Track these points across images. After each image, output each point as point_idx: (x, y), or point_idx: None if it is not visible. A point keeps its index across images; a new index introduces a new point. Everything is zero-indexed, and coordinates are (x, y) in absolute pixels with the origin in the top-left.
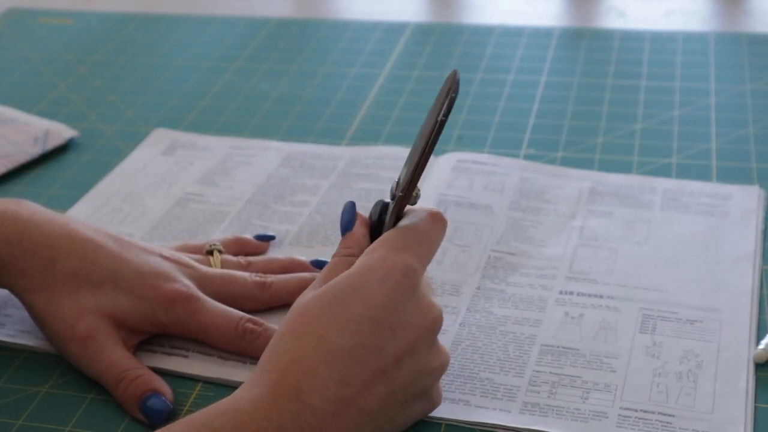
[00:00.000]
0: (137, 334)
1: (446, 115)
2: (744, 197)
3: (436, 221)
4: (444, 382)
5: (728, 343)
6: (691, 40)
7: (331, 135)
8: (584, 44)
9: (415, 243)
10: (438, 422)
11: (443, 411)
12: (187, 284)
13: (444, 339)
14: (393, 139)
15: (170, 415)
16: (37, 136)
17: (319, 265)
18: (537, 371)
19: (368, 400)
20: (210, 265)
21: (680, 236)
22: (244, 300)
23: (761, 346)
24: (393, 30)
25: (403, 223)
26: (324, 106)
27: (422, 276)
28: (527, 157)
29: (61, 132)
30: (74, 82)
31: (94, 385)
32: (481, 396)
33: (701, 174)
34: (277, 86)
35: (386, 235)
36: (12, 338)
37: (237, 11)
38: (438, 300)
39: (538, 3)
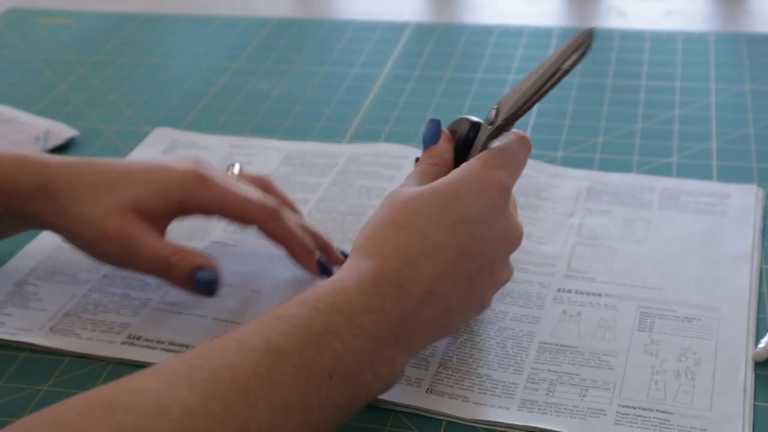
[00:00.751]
0: (160, 221)
1: (572, 66)
2: (742, 196)
3: (524, 144)
4: (443, 375)
5: (726, 341)
6: (691, 40)
7: (331, 135)
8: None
9: (508, 163)
10: (439, 419)
11: (442, 406)
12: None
13: None
14: (393, 139)
15: (219, 282)
16: (38, 136)
17: (324, 268)
18: (535, 368)
19: (451, 297)
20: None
21: (679, 235)
22: (255, 213)
23: (761, 345)
24: (393, 30)
25: (495, 143)
26: (324, 105)
27: (511, 194)
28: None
29: (61, 132)
30: (74, 82)
31: (93, 383)
32: (479, 392)
33: (701, 174)
34: (277, 86)
35: (485, 153)
36: (12, 336)
37: (237, 11)
38: None
39: (538, 3)
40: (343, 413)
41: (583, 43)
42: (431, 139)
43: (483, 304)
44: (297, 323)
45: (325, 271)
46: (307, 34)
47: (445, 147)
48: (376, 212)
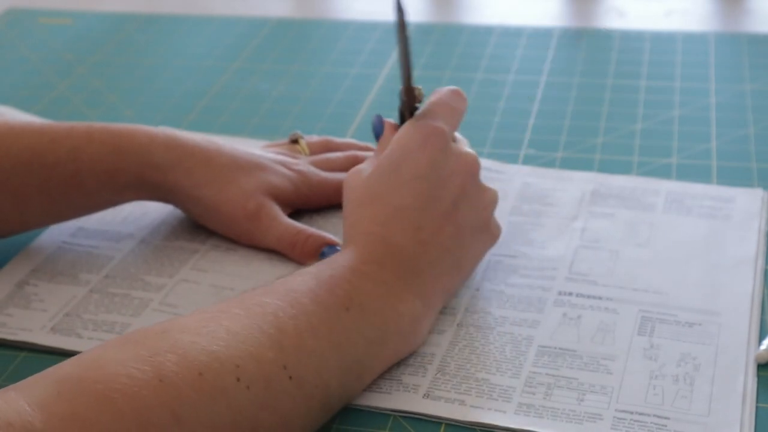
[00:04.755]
0: (287, 208)
1: (401, 19)
2: (747, 200)
3: (456, 93)
4: (440, 381)
5: (726, 346)
6: (691, 40)
7: (331, 135)
8: (584, 44)
9: (439, 112)
10: (437, 421)
11: (438, 410)
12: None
13: (442, 339)
14: None
15: None
16: None
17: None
18: (533, 372)
19: (441, 239)
20: (299, 152)
21: (682, 239)
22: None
23: (763, 347)
24: (393, 30)
25: (427, 101)
26: (324, 106)
27: (452, 135)
28: (527, 157)
29: None
30: (74, 82)
31: None
32: (476, 396)
33: (701, 174)
34: (277, 86)
35: (416, 115)
36: (14, 336)
37: (237, 11)
38: None
39: (538, 3)
40: (376, 346)
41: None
42: (378, 131)
43: (485, 229)
44: (306, 276)
45: None
46: (307, 34)
47: (390, 135)
48: (344, 205)
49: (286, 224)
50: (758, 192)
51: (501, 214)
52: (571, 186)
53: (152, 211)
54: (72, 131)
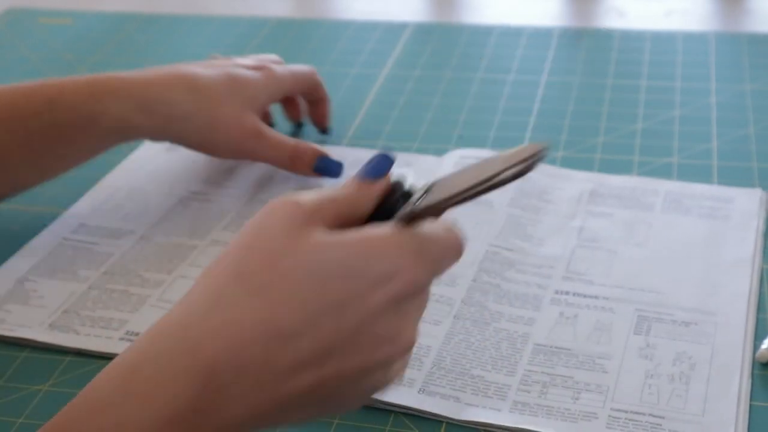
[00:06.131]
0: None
1: (512, 178)
2: (746, 200)
3: (456, 249)
4: (436, 375)
5: (722, 346)
6: (691, 39)
7: (331, 135)
8: (584, 44)
9: (430, 256)
10: (439, 419)
11: (433, 406)
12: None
13: (438, 331)
14: (393, 139)
15: (342, 166)
16: None
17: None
18: (529, 370)
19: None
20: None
21: (680, 239)
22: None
23: (764, 346)
24: (393, 30)
25: (426, 225)
26: None
27: (428, 289)
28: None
29: None
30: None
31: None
32: (471, 393)
33: (702, 174)
34: None
35: (407, 233)
36: (12, 332)
37: (237, 11)
38: (433, 290)
39: (538, 3)
40: None
41: (532, 156)
42: (377, 172)
43: (344, 407)
44: None
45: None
46: (307, 34)
47: (375, 194)
48: (234, 244)
49: (280, 138)
50: (757, 192)
51: (499, 204)
52: (569, 185)
53: (153, 208)
54: (44, 86)
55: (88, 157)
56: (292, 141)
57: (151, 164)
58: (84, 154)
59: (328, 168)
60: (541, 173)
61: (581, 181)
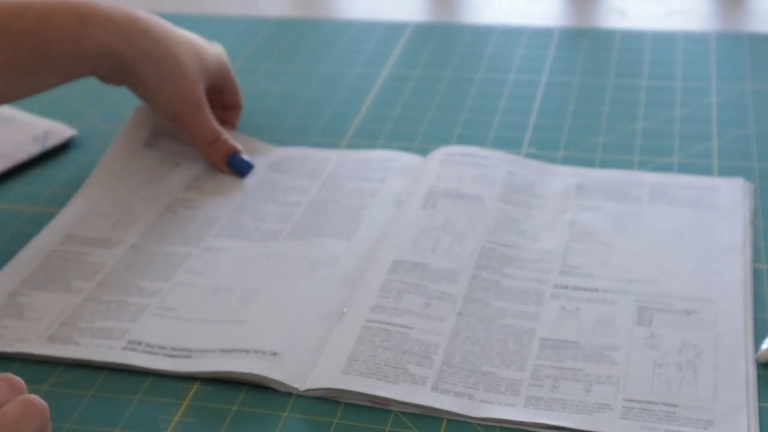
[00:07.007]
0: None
1: None
2: (730, 189)
3: (29, 411)
4: (447, 373)
5: (725, 333)
6: (691, 39)
7: (331, 135)
8: (585, 44)
9: None
10: (439, 418)
11: (448, 404)
12: None
13: (443, 327)
14: (393, 139)
15: (251, 168)
16: (37, 135)
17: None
18: (538, 365)
19: None
20: None
21: (671, 228)
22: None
23: (764, 346)
24: (393, 30)
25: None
26: (324, 106)
27: None
28: (528, 156)
29: (60, 131)
30: (74, 82)
31: (93, 383)
32: (484, 390)
33: (702, 173)
34: (277, 86)
35: None
36: (10, 348)
37: (237, 11)
38: (434, 287)
39: (538, 3)
40: None
41: None
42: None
43: None
44: None
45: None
46: (307, 34)
47: None
48: None
49: (210, 121)
50: (739, 182)
51: (490, 200)
52: (555, 179)
53: (140, 216)
54: (32, 5)
55: (62, 81)
56: (218, 129)
57: (131, 165)
58: (60, 77)
59: (239, 166)
60: (528, 169)
61: (566, 175)
